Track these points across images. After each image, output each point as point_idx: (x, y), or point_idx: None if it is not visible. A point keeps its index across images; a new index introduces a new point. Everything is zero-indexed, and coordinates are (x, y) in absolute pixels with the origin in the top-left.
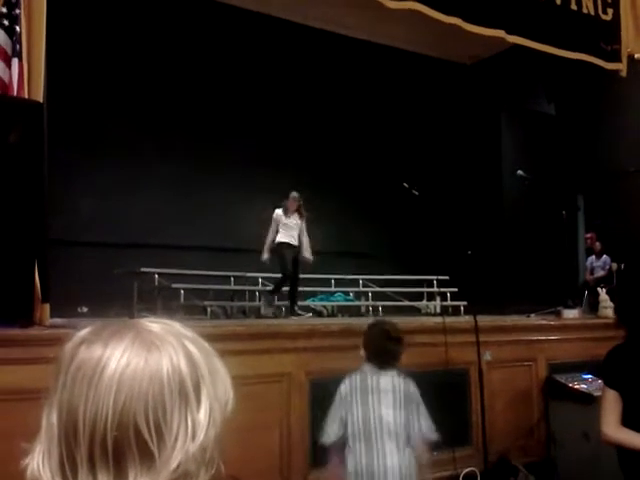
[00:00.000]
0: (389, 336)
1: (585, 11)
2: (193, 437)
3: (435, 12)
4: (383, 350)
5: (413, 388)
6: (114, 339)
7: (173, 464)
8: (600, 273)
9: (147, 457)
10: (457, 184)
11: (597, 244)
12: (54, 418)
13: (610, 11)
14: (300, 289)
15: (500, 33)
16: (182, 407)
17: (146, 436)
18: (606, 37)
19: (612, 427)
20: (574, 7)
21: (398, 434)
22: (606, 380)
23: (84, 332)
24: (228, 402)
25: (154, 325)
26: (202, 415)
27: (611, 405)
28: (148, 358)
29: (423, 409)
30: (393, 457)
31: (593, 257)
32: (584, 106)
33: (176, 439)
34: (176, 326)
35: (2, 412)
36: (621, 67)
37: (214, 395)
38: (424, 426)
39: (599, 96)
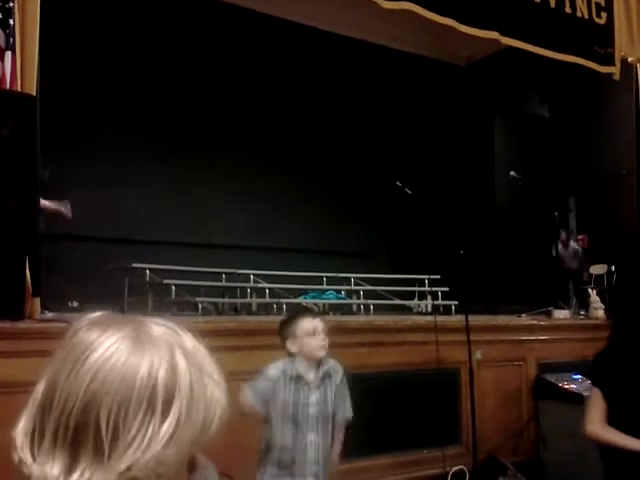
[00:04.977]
0: None
1: (579, 14)
2: (147, 448)
3: (429, 13)
4: None
5: (269, 367)
6: (112, 329)
7: (120, 467)
8: (572, 264)
9: (99, 453)
10: (450, 184)
11: (562, 234)
12: (41, 387)
13: (604, 15)
14: (292, 287)
15: (494, 35)
16: (146, 415)
17: (103, 433)
18: (600, 40)
19: (596, 425)
20: (568, 10)
21: None
22: (592, 379)
23: (95, 315)
24: (208, 427)
25: (157, 328)
26: (164, 429)
27: (596, 403)
28: (130, 357)
29: None
30: None
31: (560, 246)
32: (577, 109)
33: (130, 444)
34: (181, 335)
35: None
36: (614, 70)
37: (186, 415)
38: None
39: (592, 99)
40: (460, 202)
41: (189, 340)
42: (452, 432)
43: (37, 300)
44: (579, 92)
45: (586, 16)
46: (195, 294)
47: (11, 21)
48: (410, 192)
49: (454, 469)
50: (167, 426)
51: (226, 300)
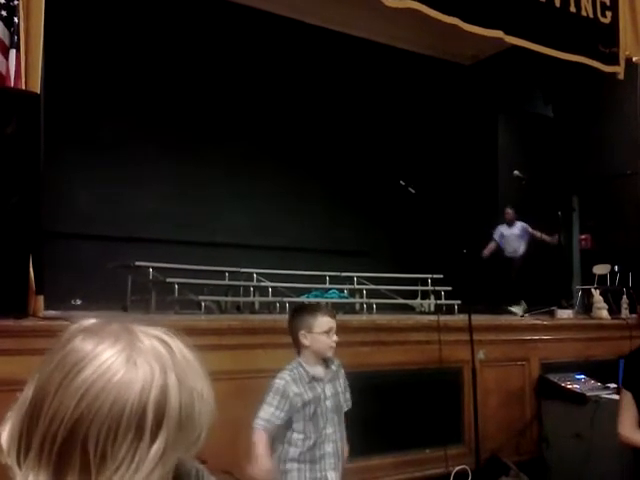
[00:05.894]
0: None
1: (584, 14)
2: (135, 472)
3: (434, 12)
4: None
5: (275, 380)
6: (108, 341)
7: None
8: (519, 244)
9: (86, 473)
10: (454, 183)
11: (509, 212)
12: (31, 391)
13: (609, 14)
14: (294, 285)
15: (499, 34)
16: (134, 440)
17: (90, 454)
18: (604, 40)
19: (627, 428)
20: (573, 9)
21: None
22: (622, 382)
23: (91, 322)
24: (193, 446)
25: (149, 341)
26: (152, 454)
27: (627, 406)
28: (123, 376)
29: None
30: None
31: (504, 226)
32: (581, 108)
33: (117, 469)
34: (173, 350)
35: None
36: (619, 70)
37: (174, 438)
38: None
39: (596, 98)
40: (463, 201)
41: (181, 353)
42: (455, 432)
43: (41, 298)
44: (584, 92)
45: (591, 15)
46: (198, 292)
47: (15, 19)
48: (413, 191)
49: (457, 469)
50: (155, 450)
51: (229, 299)
